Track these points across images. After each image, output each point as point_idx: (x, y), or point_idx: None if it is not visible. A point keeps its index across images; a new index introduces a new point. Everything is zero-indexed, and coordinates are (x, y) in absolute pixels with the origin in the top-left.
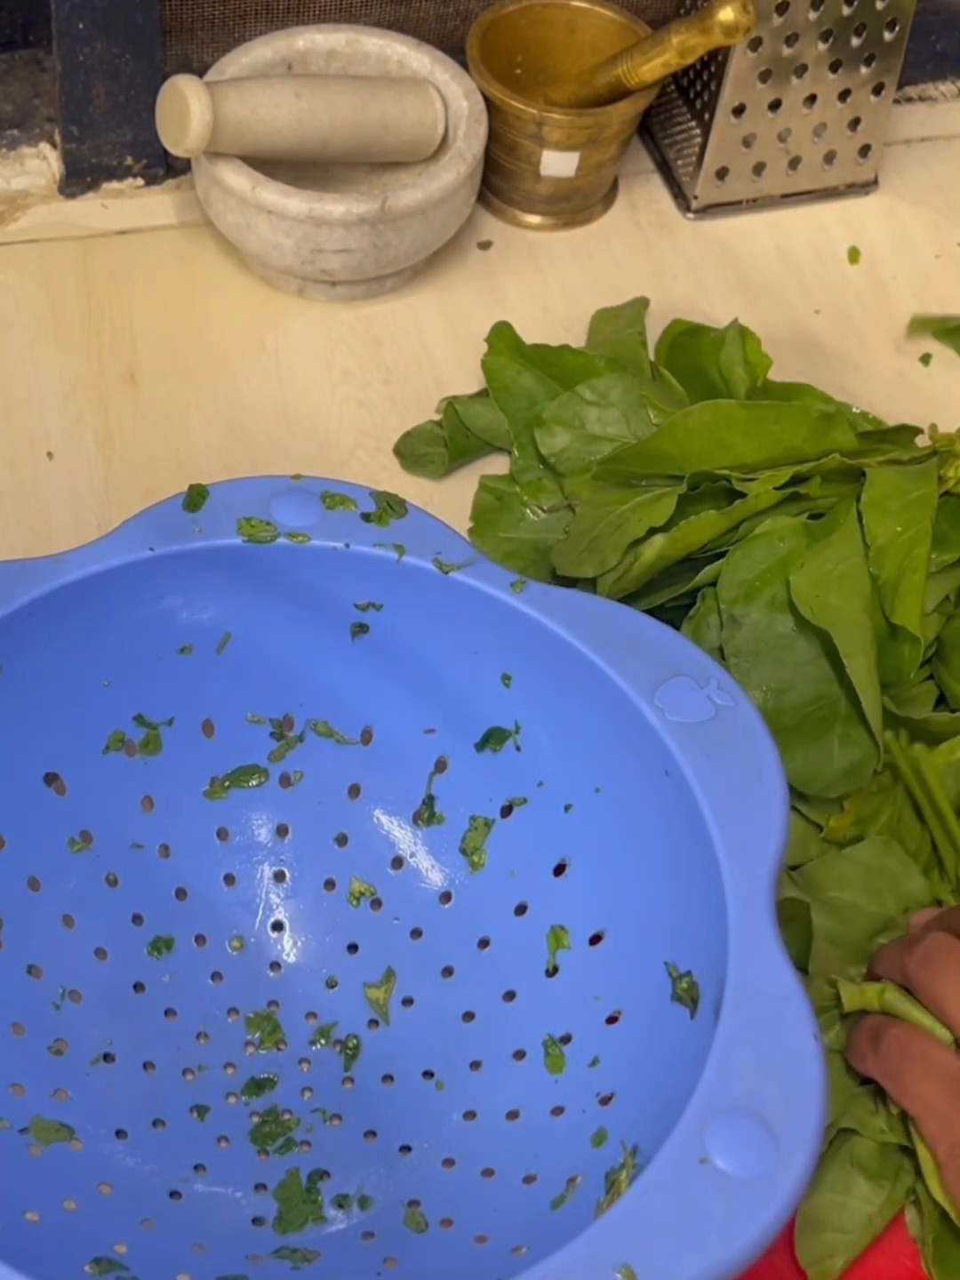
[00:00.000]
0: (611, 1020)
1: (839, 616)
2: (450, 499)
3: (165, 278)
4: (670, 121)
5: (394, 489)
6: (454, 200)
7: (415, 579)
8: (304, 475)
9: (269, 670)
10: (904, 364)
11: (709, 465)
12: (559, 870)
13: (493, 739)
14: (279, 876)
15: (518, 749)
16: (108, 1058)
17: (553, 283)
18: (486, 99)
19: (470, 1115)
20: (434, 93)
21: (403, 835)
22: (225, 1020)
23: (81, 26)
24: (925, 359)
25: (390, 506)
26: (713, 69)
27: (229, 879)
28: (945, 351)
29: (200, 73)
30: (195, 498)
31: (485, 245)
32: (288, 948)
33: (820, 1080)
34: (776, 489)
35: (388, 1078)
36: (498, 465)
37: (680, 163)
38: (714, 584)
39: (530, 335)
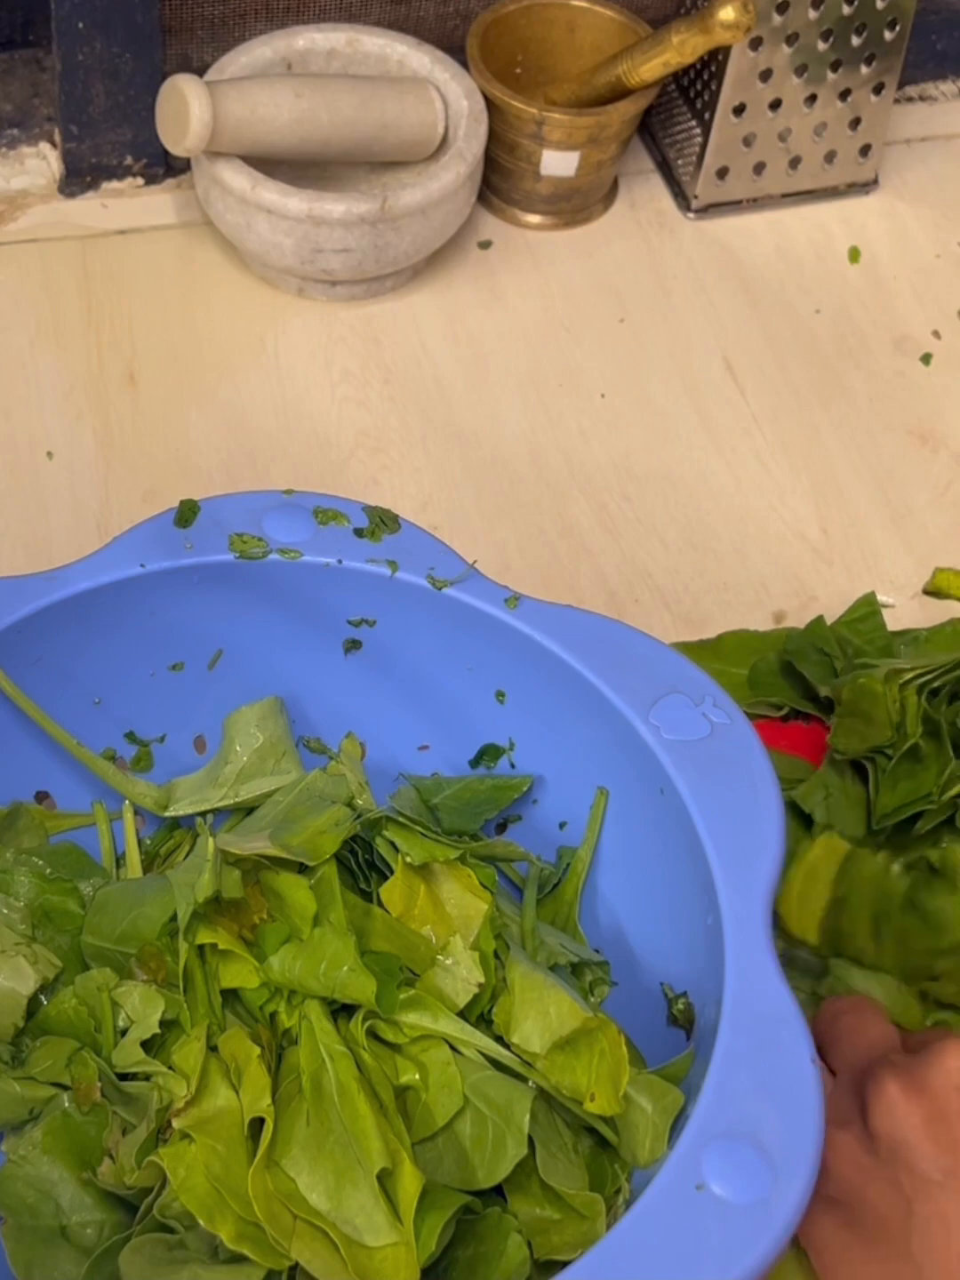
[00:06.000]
0: None
1: None
2: None
3: (165, 278)
4: (670, 121)
5: (393, 487)
6: (454, 200)
7: (408, 594)
8: (296, 490)
9: (261, 686)
10: (904, 364)
11: None
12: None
13: (487, 755)
14: None
15: (512, 766)
16: None
17: (553, 283)
18: (486, 99)
19: None
20: (434, 92)
21: None
22: None
23: (81, 26)
24: (925, 359)
25: (383, 522)
26: (713, 68)
27: None
28: (946, 351)
29: (200, 72)
30: (186, 513)
31: (485, 245)
32: None
33: (817, 1104)
34: None
35: None
36: None
37: (680, 162)
38: None
39: (530, 335)
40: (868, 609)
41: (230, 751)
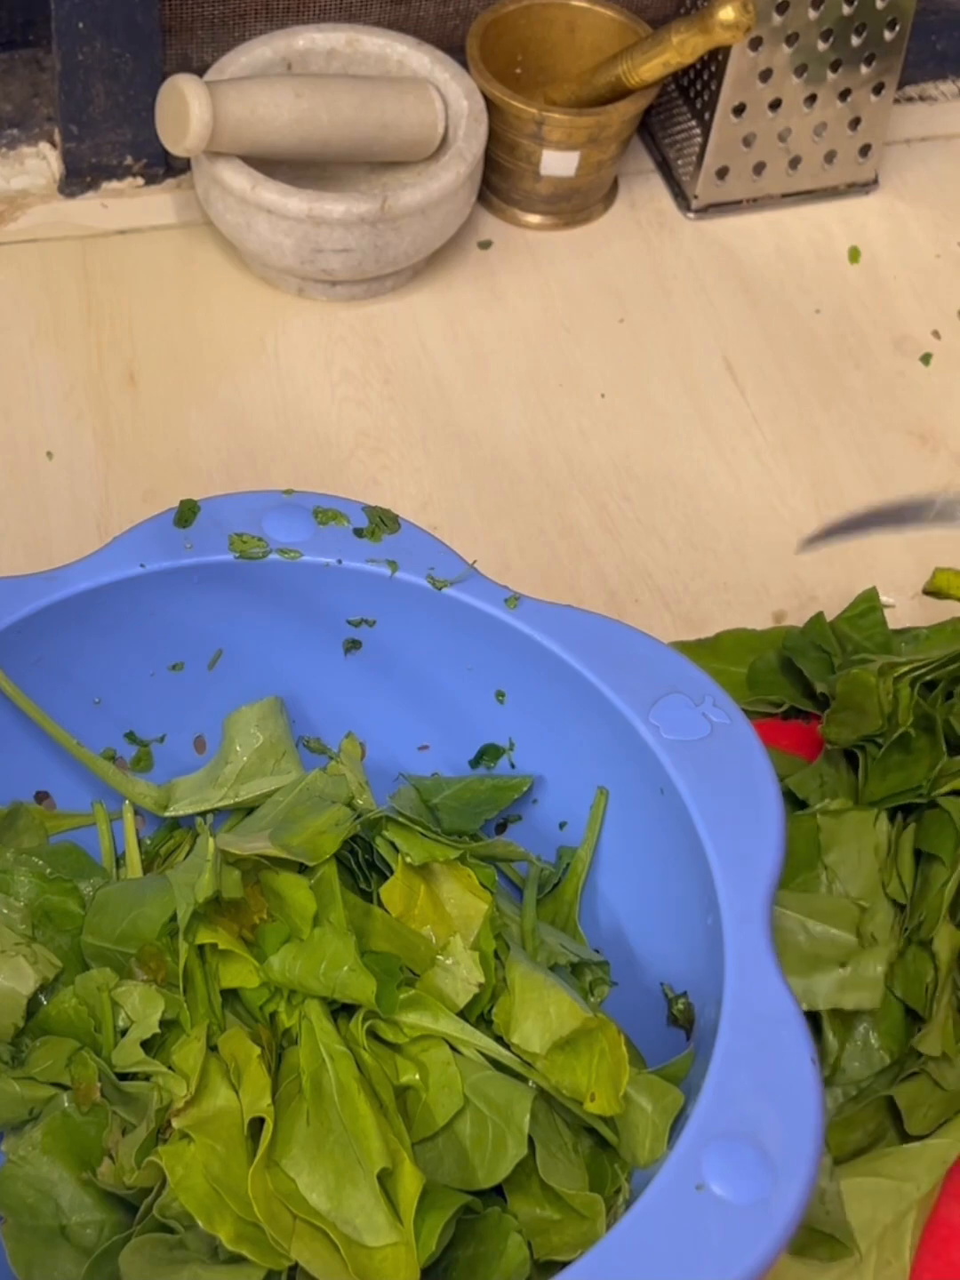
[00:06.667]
0: None
1: None
2: None
3: (165, 278)
4: (670, 121)
5: (393, 487)
6: (454, 200)
7: (408, 594)
8: (296, 490)
9: (261, 686)
10: (904, 364)
11: None
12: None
13: (487, 755)
14: None
15: (512, 766)
16: None
17: (553, 283)
18: (486, 99)
19: None
20: (434, 92)
21: None
22: None
23: (81, 26)
24: (925, 359)
25: (383, 522)
26: (713, 68)
27: None
28: (946, 351)
29: (200, 72)
30: (186, 513)
31: (485, 245)
32: None
33: (817, 1104)
34: None
35: None
36: None
37: (680, 162)
38: None
39: (530, 335)
40: (868, 605)
41: (230, 751)
